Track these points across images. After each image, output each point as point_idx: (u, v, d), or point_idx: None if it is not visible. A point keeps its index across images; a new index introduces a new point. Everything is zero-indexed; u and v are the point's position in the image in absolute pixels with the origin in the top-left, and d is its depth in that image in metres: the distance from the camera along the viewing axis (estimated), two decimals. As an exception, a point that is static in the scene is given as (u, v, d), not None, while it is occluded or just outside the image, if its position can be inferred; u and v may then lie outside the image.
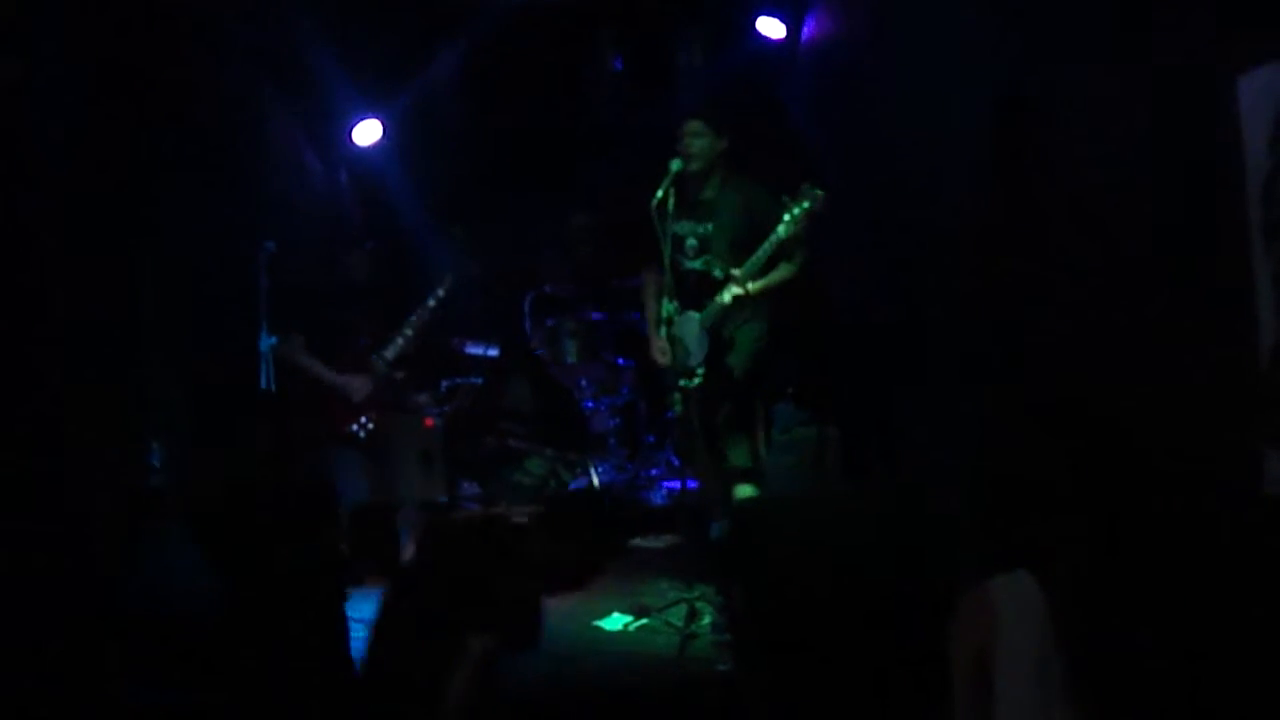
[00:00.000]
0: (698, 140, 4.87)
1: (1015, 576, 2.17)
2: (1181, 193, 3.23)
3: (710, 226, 4.96)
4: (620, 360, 7.35)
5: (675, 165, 4.82)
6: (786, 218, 4.67)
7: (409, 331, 5.41)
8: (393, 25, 7.02)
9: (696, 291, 4.99)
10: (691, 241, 5.00)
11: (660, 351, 5.10)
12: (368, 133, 7.09)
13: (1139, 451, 2.36)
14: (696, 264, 5.02)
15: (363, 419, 5.38)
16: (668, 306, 4.90)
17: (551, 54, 7.59)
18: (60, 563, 4.15)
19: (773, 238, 4.70)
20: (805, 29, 6.80)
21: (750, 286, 4.78)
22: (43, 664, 3.58)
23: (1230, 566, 2.34)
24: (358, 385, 5.39)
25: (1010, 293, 4.06)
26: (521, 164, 7.76)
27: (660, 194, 4.80)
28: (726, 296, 4.80)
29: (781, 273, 4.88)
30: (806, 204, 4.65)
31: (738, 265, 4.80)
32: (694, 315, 4.98)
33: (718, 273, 4.93)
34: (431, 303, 5.40)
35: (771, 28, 6.78)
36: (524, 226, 7.85)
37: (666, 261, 4.82)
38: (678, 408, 4.97)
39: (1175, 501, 2.35)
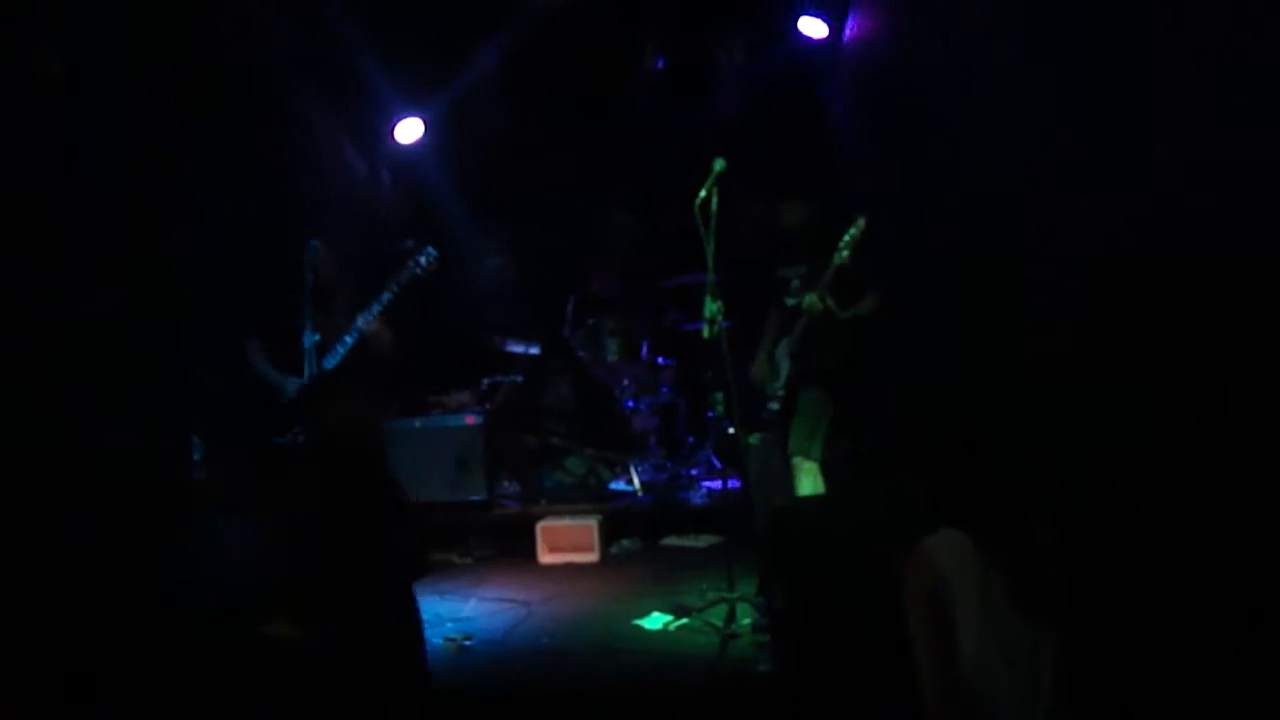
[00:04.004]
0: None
1: (945, 533, 2.81)
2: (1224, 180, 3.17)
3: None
4: (661, 359, 7.35)
5: (719, 165, 4.80)
6: (842, 244, 4.88)
7: (348, 340, 5.27)
8: (434, 24, 7.05)
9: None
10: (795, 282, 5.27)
11: (756, 370, 5.32)
12: (409, 131, 7.13)
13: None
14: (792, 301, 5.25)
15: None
16: (711, 306, 4.89)
17: (593, 53, 7.59)
18: (91, 554, 4.20)
19: (836, 259, 4.89)
20: (847, 28, 6.76)
21: (834, 307, 4.95)
22: (67, 653, 3.62)
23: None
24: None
25: (1045, 286, 4.01)
26: (562, 163, 7.78)
27: (703, 193, 4.78)
28: (804, 303, 5.01)
29: (867, 305, 5.03)
30: (854, 231, 4.88)
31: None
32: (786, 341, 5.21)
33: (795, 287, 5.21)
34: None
35: (813, 27, 6.74)
36: (565, 225, 7.86)
37: (711, 262, 4.82)
38: (719, 408, 5.05)
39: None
